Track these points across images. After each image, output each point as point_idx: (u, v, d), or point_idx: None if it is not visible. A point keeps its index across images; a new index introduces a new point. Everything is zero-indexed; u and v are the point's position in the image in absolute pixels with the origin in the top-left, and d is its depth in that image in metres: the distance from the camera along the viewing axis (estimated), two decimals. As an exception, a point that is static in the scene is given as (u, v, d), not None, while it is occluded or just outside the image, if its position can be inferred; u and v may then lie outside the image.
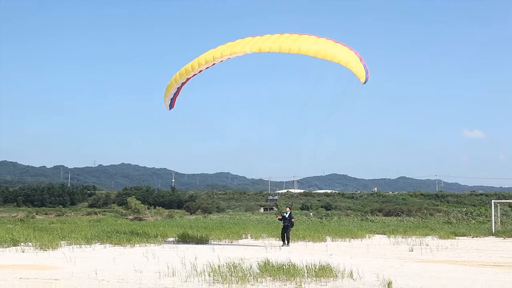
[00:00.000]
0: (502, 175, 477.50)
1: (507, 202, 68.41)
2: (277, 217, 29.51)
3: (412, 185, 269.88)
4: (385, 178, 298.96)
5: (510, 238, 35.94)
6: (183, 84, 25.56)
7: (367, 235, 35.17)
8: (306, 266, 15.62)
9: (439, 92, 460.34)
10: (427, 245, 27.95)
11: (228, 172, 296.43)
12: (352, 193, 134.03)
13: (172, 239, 30.09)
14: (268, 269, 15.41)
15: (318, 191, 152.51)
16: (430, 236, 35.15)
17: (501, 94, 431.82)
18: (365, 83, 22.60)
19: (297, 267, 15.59)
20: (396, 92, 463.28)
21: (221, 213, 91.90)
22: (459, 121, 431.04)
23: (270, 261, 16.42)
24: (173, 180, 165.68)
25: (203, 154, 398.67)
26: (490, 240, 34.35)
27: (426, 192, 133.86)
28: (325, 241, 30.74)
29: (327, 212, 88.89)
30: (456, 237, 35.55)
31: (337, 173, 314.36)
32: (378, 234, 38.01)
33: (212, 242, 28.99)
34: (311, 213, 69.48)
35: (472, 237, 36.79)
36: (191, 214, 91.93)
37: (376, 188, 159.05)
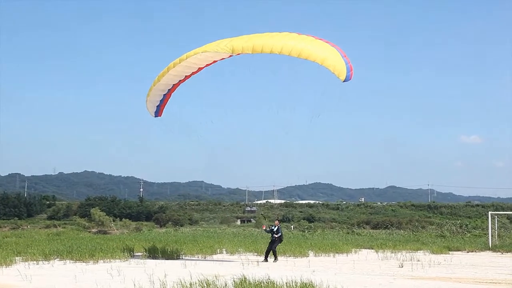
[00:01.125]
0: (499, 185, 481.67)
1: (505, 214, 69.05)
2: (263, 227, 29.98)
3: (402, 195, 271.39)
4: (373, 188, 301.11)
5: (508, 253, 36.29)
6: (170, 91, 26.23)
7: (353, 250, 35.29)
8: (286, 283, 15.60)
9: (431, 95, 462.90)
10: (418, 260, 28.11)
11: (202, 181, 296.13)
12: (337, 204, 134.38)
13: (139, 254, 29.93)
14: (245, 287, 15.38)
15: (300, 201, 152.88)
16: (421, 251, 35.36)
17: (500, 96, 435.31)
18: (345, 81, 22.55)
19: (276, 284, 15.57)
20: (385, 95, 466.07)
21: (194, 226, 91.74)
22: (455, 125, 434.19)
23: (247, 278, 16.37)
24: (141, 190, 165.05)
25: (175, 161, 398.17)
26: (487, 255, 34.65)
27: (417, 203, 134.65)
28: (307, 256, 30.76)
29: (310, 224, 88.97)
30: (450, 252, 35.80)
31: (321, 182, 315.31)
32: (365, 248, 38.15)
33: (183, 258, 28.88)
34: (292, 226, 69.63)
35: (467, 252, 37.08)
36: (160, 226, 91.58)
37: (363, 199, 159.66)
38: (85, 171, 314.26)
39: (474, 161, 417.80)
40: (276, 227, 28.01)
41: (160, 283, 16.49)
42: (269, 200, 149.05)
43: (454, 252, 36.11)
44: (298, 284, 15.50)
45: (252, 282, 15.82)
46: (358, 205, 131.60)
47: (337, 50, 23.16)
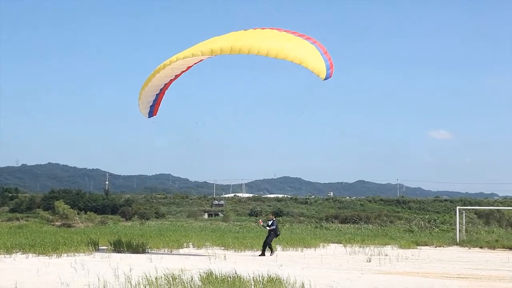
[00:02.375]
0: (468, 180, 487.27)
1: (473, 209, 70.01)
2: (260, 222, 31.35)
3: (371, 189, 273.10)
4: (342, 182, 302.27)
5: (476, 248, 36.79)
6: (162, 90, 26.87)
7: (321, 244, 35.48)
8: (253, 278, 15.64)
9: (401, 88, 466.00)
10: (386, 255, 28.36)
11: (169, 174, 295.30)
12: (306, 198, 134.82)
13: (104, 248, 29.74)
14: (211, 281, 15.38)
15: (269, 195, 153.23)
16: (389, 246, 35.66)
17: (471, 90, 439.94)
18: (326, 79, 22.75)
19: (243, 279, 15.59)
20: (354, 91, 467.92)
21: (160, 219, 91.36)
22: (424, 120, 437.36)
23: (214, 272, 16.38)
24: (106, 183, 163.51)
25: (142, 154, 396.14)
26: (454, 250, 35.09)
27: (386, 198, 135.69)
28: (275, 251, 30.83)
29: (278, 218, 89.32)
30: (418, 247, 36.19)
31: (290, 176, 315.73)
32: (334, 243, 38.37)
33: (149, 252, 28.79)
34: (260, 220, 69.74)
35: (435, 247, 37.52)
36: (126, 220, 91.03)
37: (332, 193, 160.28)
38: (49, 163, 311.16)
39: (443, 157, 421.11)
40: (271, 221, 28.44)
41: (125, 277, 16.39)
42: (237, 194, 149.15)
43: (422, 247, 36.51)
44: (265, 279, 15.54)
45: (218, 277, 15.84)
46: (326, 199, 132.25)
47: (316, 48, 23.41)
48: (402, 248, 34.46)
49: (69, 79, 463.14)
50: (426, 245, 38.33)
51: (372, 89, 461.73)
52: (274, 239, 28.66)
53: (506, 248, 36.54)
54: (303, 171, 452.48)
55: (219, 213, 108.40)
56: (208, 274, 16.15)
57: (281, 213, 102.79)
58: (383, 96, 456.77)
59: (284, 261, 24.92)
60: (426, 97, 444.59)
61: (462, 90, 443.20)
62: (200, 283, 15.32)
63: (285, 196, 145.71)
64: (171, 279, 15.43)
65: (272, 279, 15.56)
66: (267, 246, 28.01)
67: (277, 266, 21.94)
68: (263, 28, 24.81)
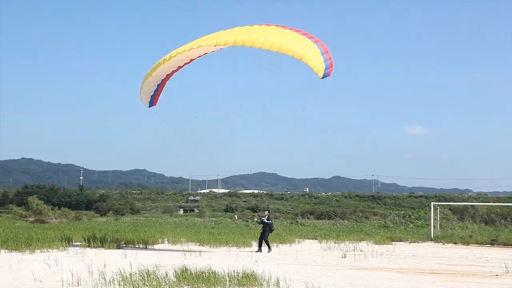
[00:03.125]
0: (443, 176, 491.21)
1: (447, 205, 70.48)
2: (255, 218, 31.85)
3: (346, 185, 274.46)
4: (318, 178, 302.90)
5: (450, 244, 37.11)
6: (164, 81, 27.46)
7: (296, 240, 35.57)
8: (228, 273, 15.68)
9: (377, 83, 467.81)
10: (361, 251, 28.52)
11: (145, 169, 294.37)
12: (282, 194, 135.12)
13: (78, 243, 29.59)
14: (186, 277, 15.38)
15: (245, 191, 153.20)
16: (365, 241, 35.85)
17: (446, 86, 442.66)
18: (323, 77, 23.70)
19: (218, 274, 15.62)
20: (329, 86, 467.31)
21: (135, 215, 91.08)
22: (399, 116, 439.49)
23: (188, 268, 16.39)
24: (81, 178, 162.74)
25: (117, 149, 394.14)
26: (429, 246, 35.37)
27: (361, 194, 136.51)
28: (250, 247, 30.89)
29: (254, 214, 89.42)
30: (393, 243, 36.41)
31: (266, 171, 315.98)
32: (309, 239, 38.49)
33: (124, 247, 28.70)
34: (235, 216, 69.69)
35: (410, 243, 37.78)
36: (101, 216, 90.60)
37: (307, 189, 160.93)
38: (23, 158, 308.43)
39: (418, 152, 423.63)
40: (266, 216, 28.79)
41: (99, 273, 16.33)
42: (213, 190, 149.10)
43: (397, 243, 36.74)
44: (240, 275, 15.58)
45: (193, 272, 15.84)
46: (302, 195, 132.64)
47: (318, 46, 24.23)
48: (377, 244, 34.66)
49: (44, 73, 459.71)
50: (401, 240, 38.59)
51: (348, 85, 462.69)
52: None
53: (480, 244, 36.93)
54: (279, 166, 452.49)
55: (195, 208, 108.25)
56: (183, 270, 16.15)
57: (257, 209, 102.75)
58: (359, 92, 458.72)
59: (259, 257, 24.97)
60: (402, 93, 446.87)
61: (437, 86, 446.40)
62: (175, 279, 15.31)
63: (261, 191, 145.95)
64: (145, 275, 15.41)
65: (247, 275, 15.60)
66: (263, 242, 28.36)
67: (253, 262, 21.97)
68: (268, 25, 25.50)
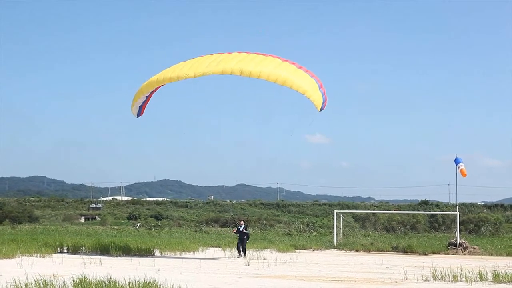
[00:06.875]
0: (345, 184, 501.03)
1: (350, 213, 72.05)
2: (234, 231, 33.30)
3: (252, 193, 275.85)
4: (223, 185, 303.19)
5: (352, 251, 37.89)
6: (152, 92, 29.40)
7: (200, 248, 35.50)
8: (128, 283, 15.47)
9: (276, 91, 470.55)
10: (265, 259, 28.72)
11: (44, 176, 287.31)
12: (186, 201, 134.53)
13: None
14: (85, 287, 15.08)
15: (148, 198, 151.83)
16: (268, 249, 36.14)
17: (346, 94, 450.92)
18: (320, 111, 27.09)
19: (118, 284, 15.40)
20: (232, 89, 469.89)
21: (33, 223, 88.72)
22: (300, 123, 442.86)
23: (88, 277, 16.07)
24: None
25: (14, 154, 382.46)
26: (331, 253, 36.02)
27: (266, 201, 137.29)
28: (153, 255, 30.62)
29: (157, 222, 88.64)
30: (296, 250, 36.87)
31: (170, 179, 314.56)
32: (213, 247, 38.49)
33: (20, 257, 27.84)
34: (137, 224, 69.07)
35: (313, 250, 38.36)
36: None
37: (212, 196, 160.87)
38: None
39: (320, 160, 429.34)
40: (243, 226, 31.28)
41: (-7, 284, 15.84)
42: (116, 197, 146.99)
43: (301, 251, 37.22)
44: (141, 284, 15.40)
45: (92, 282, 15.55)
46: (207, 203, 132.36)
47: (315, 81, 27.21)
48: (280, 251, 35.02)
49: None
50: (305, 248, 39.12)
51: (248, 91, 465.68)
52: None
53: (381, 251, 37.91)
54: (183, 174, 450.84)
55: (97, 216, 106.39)
56: (82, 279, 15.83)
57: (160, 217, 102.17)
58: (260, 102, 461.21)
59: (162, 265, 24.77)
60: (302, 101, 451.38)
61: (337, 94, 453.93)
62: (73, 289, 15.01)
63: (165, 199, 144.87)
64: (42, 285, 15.02)
65: (149, 283, 15.45)
66: (244, 248, 30.78)
67: (155, 270, 21.78)
68: (265, 55, 27.65)
